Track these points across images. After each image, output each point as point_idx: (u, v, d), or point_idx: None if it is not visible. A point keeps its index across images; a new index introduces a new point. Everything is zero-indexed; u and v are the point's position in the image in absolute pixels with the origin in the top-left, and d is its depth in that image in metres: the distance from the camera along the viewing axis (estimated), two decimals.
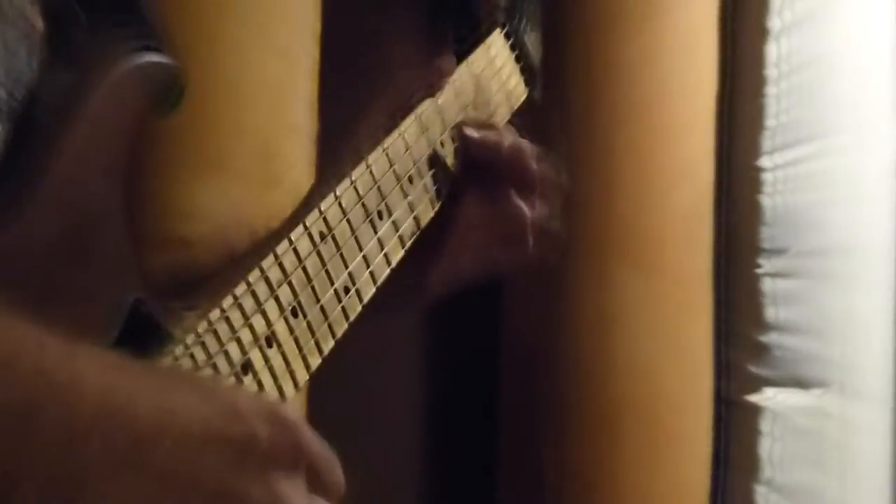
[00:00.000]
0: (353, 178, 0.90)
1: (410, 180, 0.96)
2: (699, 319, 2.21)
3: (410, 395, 2.25)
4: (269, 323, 0.81)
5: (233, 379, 0.79)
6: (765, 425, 2.22)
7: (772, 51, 2.21)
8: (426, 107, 0.98)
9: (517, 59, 1.11)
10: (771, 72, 2.21)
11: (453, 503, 2.28)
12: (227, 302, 0.79)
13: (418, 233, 0.96)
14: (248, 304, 0.80)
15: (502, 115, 1.08)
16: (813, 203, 2.23)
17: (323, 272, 0.86)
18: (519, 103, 1.11)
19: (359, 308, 0.89)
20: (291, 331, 0.83)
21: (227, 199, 1.61)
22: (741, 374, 2.25)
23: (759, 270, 2.23)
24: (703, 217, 2.21)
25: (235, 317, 0.79)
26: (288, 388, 0.83)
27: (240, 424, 0.64)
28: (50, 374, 0.60)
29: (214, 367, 0.77)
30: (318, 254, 0.86)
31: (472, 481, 2.26)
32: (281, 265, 0.83)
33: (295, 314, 0.83)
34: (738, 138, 2.25)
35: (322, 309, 0.86)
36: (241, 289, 0.80)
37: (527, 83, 1.12)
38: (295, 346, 0.83)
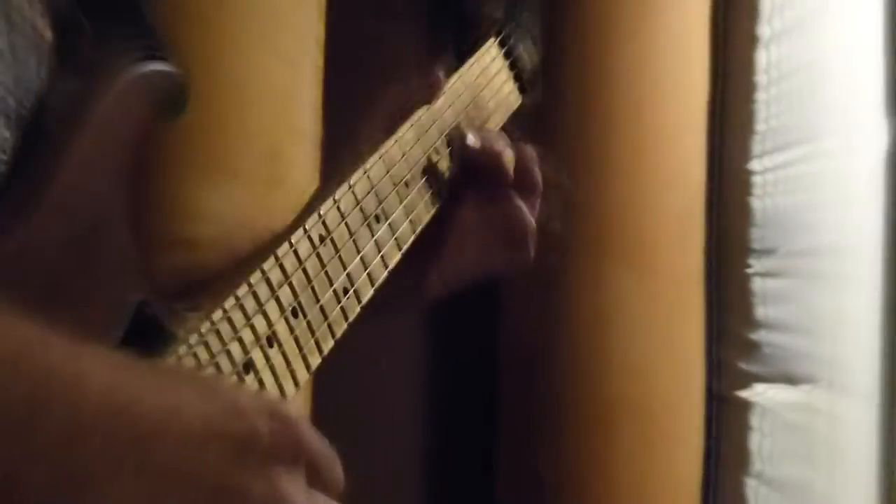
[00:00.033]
0: (352, 183, 0.90)
1: (407, 185, 0.96)
2: (691, 318, 2.21)
3: (410, 395, 2.24)
4: (270, 323, 0.81)
5: (235, 377, 0.79)
6: (755, 420, 2.22)
7: (762, 57, 2.21)
8: (422, 113, 0.98)
9: (511, 67, 1.11)
10: (761, 78, 2.21)
11: (453, 500, 2.27)
12: (230, 303, 0.79)
13: (415, 236, 0.96)
14: (250, 304, 0.80)
15: (497, 122, 1.08)
16: (802, 205, 2.23)
17: (322, 273, 0.86)
18: (513, 110, 1.11)
19: (357, 309, 0.89)
20: (292, 330, 0.83)
21: (233, 200, 1.61)
22: (732, 371, 2.25)
23: (749, 270, 2.23)
24: (695, 218, 2.21)
25: (237, 317, 0.79)
26: (289, 386, 0.83)
27: (241, 421, 0.64)
28: (54, 372, 0.60)
29: (217, 366, 0.77)
30: (318, 256, 0.86)
31: (470, 478, 2.25)
32: (282, 267, 0.83)
33: (295, 314, 0.83)
34: (729, 142, 2.25)
35: (322, 309, 0.86)
36: (242, 290, 0.80)
37: (521, 91, 1.12)
38: (295, 346, 0.83)
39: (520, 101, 1.12)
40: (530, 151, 1.01)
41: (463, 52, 1.06)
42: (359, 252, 0.90)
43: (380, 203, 0.92)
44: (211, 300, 0.79)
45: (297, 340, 0.83)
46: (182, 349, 0.75)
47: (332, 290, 0.87)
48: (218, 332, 0.78)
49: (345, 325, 0.88)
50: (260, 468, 0.63)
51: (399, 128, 0.96)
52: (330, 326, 0.86)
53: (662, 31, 2.16)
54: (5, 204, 0.69)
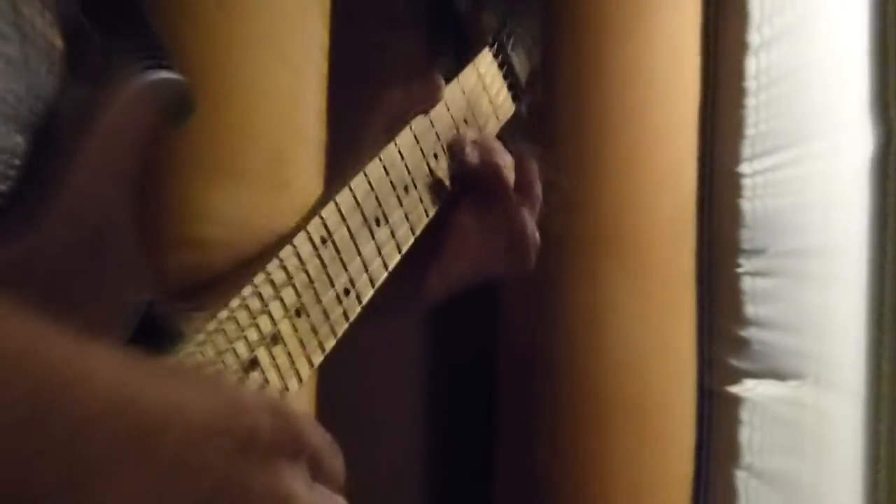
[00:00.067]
0: (352, 187, 0.90)
1: (406, 189, 0.96)
2: (683, 316, 2.21)
3: (410, 395, 2.24)
4: (274, 322, 0.82)
5: (240, 375, 0.79)
6: (745, 415, 2.22)
7: (751, 64, 2.21)
8: (420, 120, 0.99)
9: (505, 76, 1.11)
10: (750, 84, 2.21)
11: (452, 498, 2.27)
12: (235, 303, 0.79)
13: (414, 238, 0.96)
14: (255, 305, 0.80)
15: (491, 129, 1.08)
16: (790, 206, 2.23)
17: (324, 275, 0.86)
18: (507, 117, 1.11)
19: (358, 308, 0.89)
20: (295, 330, 0.83)
21: (240, 202, 1.61)
22: (723, 367, 2.25)
23: (739, 270, 2.23)
24: (687, 220, 2.20)
25: (242, 317, 0.80)
26: (292, 383, 0.83)
27: (243, 417, 0.64)
28: (60, 368, 0.59)
29: (223, 364, 0.78)
30: (320, 257, 0.86)
31: (469, 477, 2.25)
32: (285, 268, 0.83)
33: (298, 314, 0.84)
34: (719, 146, 2.24)
35: (324, 309, 0.86)
36: (247, 290, 0.80)
37: (514, 98, 1.12)
38: (299, 345, 0.84)
39: (513, 109, 1.12)
40: (530, 159, 1.01)
41: (460, 59, 1.06)
42: (359, 253, 0.90)
43: (380, 206, 0.92)
44: (217, 300, 0.80)
45: (300, 339, 0.84)
46: (189, 348, 0.76)
47: (333, 290, 0.87)
48: (224, 332, 0.78)
49: (346, 325, 0.88)
50: (262, 462, 0.63)
51: (399, 132, 0.96)
52: (332, 326, 0.87)
53: (655, 37, 2.15)
54: (17, 208, 0.69)
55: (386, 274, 0.92)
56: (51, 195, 0.70)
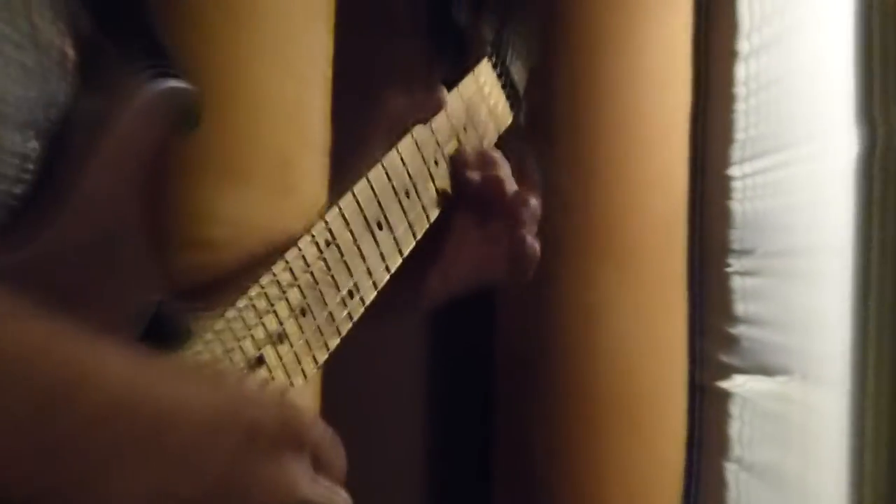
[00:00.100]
0: (356, 192, 0.90)
1: (407, 194, 0.96)
2: (675, 314, 2.21)
3: (409, 394, 2.23)
4: (280, 322, 0.82)
5: (247, 372, 0.79)
6: (734, 409, 2.22)
7: (741, 71, 2.20)
8: (421, 128, 0.98)
9: (503, 87, 1.11)
10: (740, 90, 2.21)
11: (450, 497, 2.26)
12: (242, 302, 0.80)
13: (415, 242, 0.96)
14: (261, 304, 0.81)
15: (490, 137, 1.08)
16: (778, 208, 2.22)
17: (329, 276, 0.86)
18: (505, 126, 1.11)
19: (361, 309, 0.89)
20: (300, 329, 0.84)
21: (247, 204, 1.61)
22: (713, 363, 2.24)
23: (729, 269, 2.22)
24: (678, 221, 2.20)
25: (249, 316, 0.80)
26: (297, 381, 0.83)
27: (248, 411, 0.65)
28: (78, 363, 0.60)
29: (230, 361, 0.78)
30: (324, 260, 0.86)
31: (468, 476, 2.24)
32: (291, 270, 0.83)
33: (304, 314, 0.84)
34: (710, 150, 2.24)
35: (328, 309, 0.86)
36: (255, 290, 0.81)
37: (512, 108, 1.12)
38: (304, 343, 0.84)
39: (511, 118, 1.12)
40: (530, 168, 1.01)
41: (459, 69, 1.06)
42: (362, 256, 0.90)
43: (382, 210, 0.92)
44: (225, 300, 0.80)
45: (305, 338, 0.84)
46: (199, 345, 0.76)
47: (338, 291, 0.87)
48: (232, 330, 0.78)
49: (349, 324, 0.88)
50: (267, 454, 0.64)
51: (401, 140, 0.96)
52: (336, 326, 0.87)
53: (648, 45, 2.15)
54: (32, 210, 0.69)
55: (388, 276, 0.92)
56: (64, 199, 0.70)
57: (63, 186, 0.70)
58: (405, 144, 0.96)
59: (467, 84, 1.06)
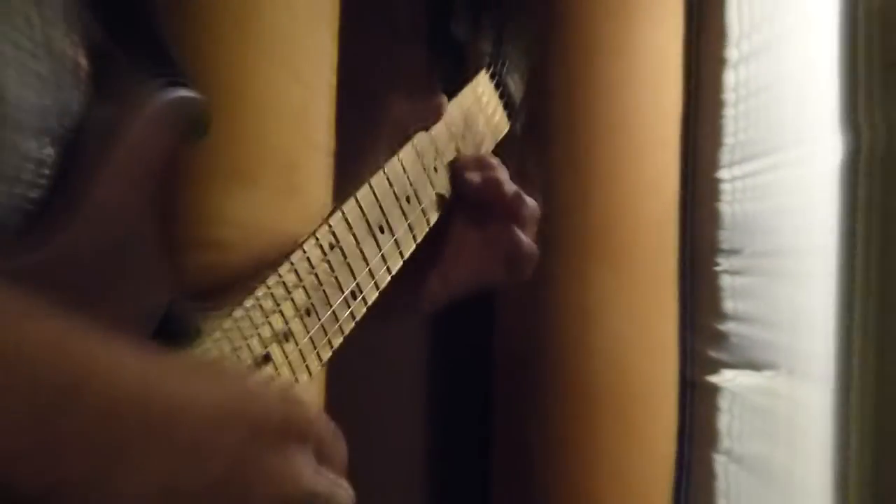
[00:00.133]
0: (358, 197, 0.90)
1: (408, 200, 0.96)
2: (667, 311, 2.21)
3: (409, 394, 2.23)
4: (285, 321, 0.82)
5: (254, 369, 0.79)
6: (723, 403, 2.22)
7: (730, 78, 2.21)
8: (422, 135, 0.99)
9: (500, 97, 1.11)
10: (729, 96, 2.21)
11: (449, 495, 2.26)
12: (249, 302, 0.80)
13: (415, 246, 0.96)
14: (268, 304, 0.81)
15: (488, 146, 1.09)
16: (766, 210, 2.22)
17: (332, 278, 0.87)
18: (502, 135, 1.11)
19: (364, 309, 0.90)
20: (305, 328, 0.84)
21: (254, 206, 1.61)
22: (703, 359, 2.25)
23: (718, 269, 2.23)
24: (670, 223, 2.20)
25: (256, 316, 0.80)
26: (303, 377, 0.83)
27: (254, 405, 0.65)
28: (91, 359, 0.60)
29: (238, 358, 0.78)
30: (328, 262, 0.86)
31: (467, 474, 2.24)
32: (296, 271, 0.83)
33: (308, 314, 0.84)
34: (700, 154, 2.24)
35: (332, 310, 0.86)
36: (261, 291, 0.81)
37: (509, 118, 1.12)
38: (308, 342, 0.84)
39: (508, 128, 1.12)
40: (527, 173, 1.01)
41: (458, 79, 1.06)
42: (365, 258, 0.90)
43: (384, 215, 0.93)
44: (232, 300, 0.80)
45: (310, 337, 0.84)
46: (207, 343, 0.76)
47: (340, 292, 0.87)
48: (239, 329, 0.78)
49: (352, 324, 0.88)
50: (272, 446, 0.64)
51: (402, 146, 0.96)
52: (339, 325, 0.87)
53: (641, 53, 2.16)
54: (47, 215, 0.69)
55: (390, 278, 0.93)
56: (77, 205, 0.70)
57: (76, 193, 0.70)
58: (406, 152, 0.96)
59: (466, 94, 1.06)
